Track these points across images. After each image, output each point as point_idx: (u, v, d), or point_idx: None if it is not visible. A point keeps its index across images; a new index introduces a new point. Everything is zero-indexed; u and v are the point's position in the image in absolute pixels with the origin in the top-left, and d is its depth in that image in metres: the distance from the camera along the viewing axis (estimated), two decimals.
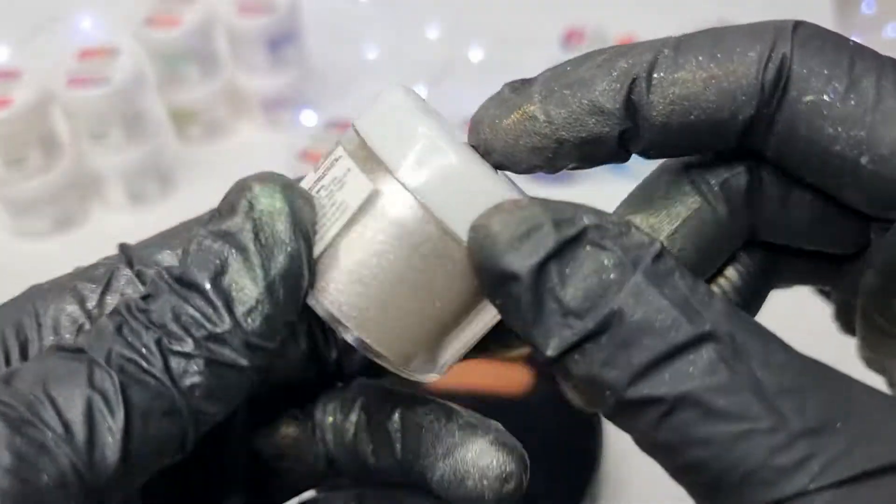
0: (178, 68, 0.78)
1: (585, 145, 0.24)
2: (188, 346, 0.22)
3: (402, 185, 0.24)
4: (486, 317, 0.25)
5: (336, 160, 0.25)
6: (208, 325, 0.22)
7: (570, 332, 0.21)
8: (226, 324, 0.22)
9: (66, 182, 0.74)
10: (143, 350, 0.22)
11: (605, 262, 0.21)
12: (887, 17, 0.81)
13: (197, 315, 0.22)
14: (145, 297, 0.23)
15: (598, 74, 0.24)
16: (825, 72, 0.23)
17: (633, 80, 0.24)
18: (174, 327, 0.22)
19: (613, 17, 0.81)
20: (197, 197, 0.80)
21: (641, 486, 0.58)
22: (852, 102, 0.23)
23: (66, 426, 0.21)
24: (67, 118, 0.73)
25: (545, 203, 0.22)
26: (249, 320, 0.22)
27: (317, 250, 0.24)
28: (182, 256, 0.24)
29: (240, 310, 0.22)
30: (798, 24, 0.24)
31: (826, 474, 0.19)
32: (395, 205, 0.24)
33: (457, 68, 0.87)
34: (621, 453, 0.60)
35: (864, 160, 0.23)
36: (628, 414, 0.21)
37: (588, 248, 0.21)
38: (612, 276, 0.21)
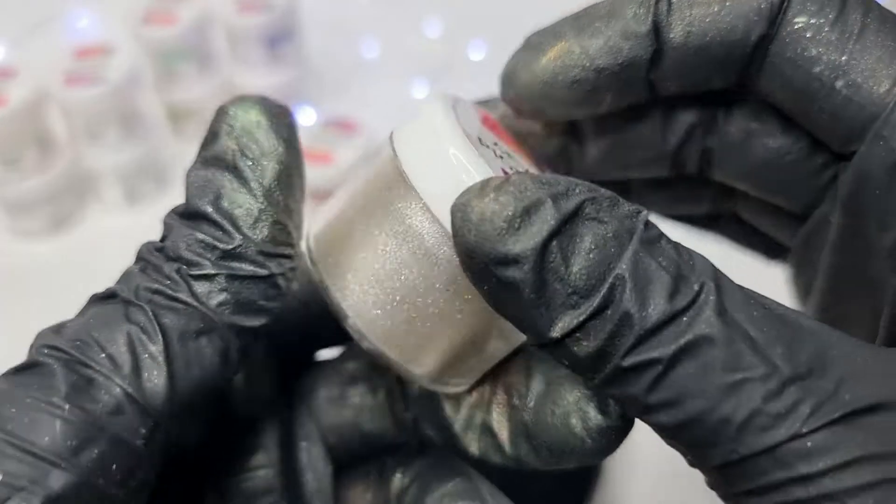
0: (176, 67, 0.78)
1: (623, 71, 0.26)
2: (207, 268, 0.23)
3: (428, 208, 0.24)
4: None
5: (376, 168, 0.26)
6: (221, 245, 0.23)
7: (577, 313, 0.21)
8: (236, 240, 0.23)
9: (62, 182, 0.73)
10: (168, 281, 0.23)
11: (605, 234, 0.21)
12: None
13: (208, 239, 0.23)
14: (161, 239, 0.24)
15: (624, 2, 0.26)
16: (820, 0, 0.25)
17: (657, 3, 0.25)
18: (189, 255, 0.23)
19: None
20: None
21: (642, 490, 0.58)
22: (838, 28, 0.24)
23: (112, 359, 0.22)
24: (64, 117, 0.73)
25: (537, 178, 0.21)
26: (257, 231, 0.23)
27: (344, 245, 0.25)
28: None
29: (245, 224, 0.23)
30: None
31: (816, 416, 0.19)
32: (420, 225, 0.24)
33: (457, 66, 0.86)
34: (622, 457, 0.59)
35: (839, 84, 0.24)
36: (623, 380, 0.21)
37: (587, 222, 0.21)
38: (612, 249, 0.21)
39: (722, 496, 0.22)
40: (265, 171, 0.24)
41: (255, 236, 0.23)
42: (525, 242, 0.20)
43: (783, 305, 0.22)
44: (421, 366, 0.25)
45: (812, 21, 0.24)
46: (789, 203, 0.28)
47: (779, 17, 0.25)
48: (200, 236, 0.23)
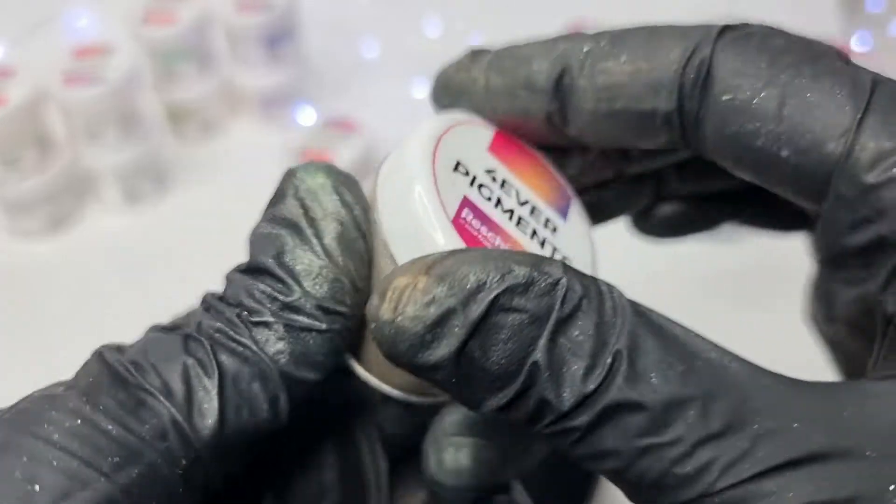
0: (175, 66, 0.78)
1: (516, 117, 0.27)
2: (267, 316, 0.24)
3: (387, 245, 0.25)
4: None
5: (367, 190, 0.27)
6: (281, 297, 0.24)
7: (501, 396, 0.21)
8: (296, 293, 0.24)
9: (61, 182, 0.73)
10: (229, 322, 0.24)
11: (519, 322, 0.21)
12: (893, 13, 0.81)
13: (268, 290, 0.24)
14: (224, 291, 0.25)
15: (538, 53, 0.26)
16: (744, 71, 0.24)
17: (567, 65, 0.26)
18: (251, 303, 0.24)
19: (614, 14, 0.81)
20: (194, 196, 0.81)
21: None
22: (768, 98, 0.24)
23: (166, 385, 0.22)
24: (63, 117, 0.73)
25: (445, 276, 0.21)
26: (316, 287, 0.24)
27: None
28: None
29: (306, 280, 0.24)
30: (725, 28, 0.26)
31: (727, 476, 0.20)
32: (385, 263, 0.25)
33: None
34: None
35: (784, 153, 0.24)
36: (551, 439, 0.22)
37: (500, 315, 0.21)
38: (530, 334, 0.21)
39: None
40: (326, 231, 0.25)
41: (315, 291, 0.24)
42: (439, 353, 0.21)
43: (714, 348, 0.22)
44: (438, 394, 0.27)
45: (740, 96, 0.24)
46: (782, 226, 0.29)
47: (697, 93, 0.25)
48: (262, 287, 0.24)
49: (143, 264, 0.70)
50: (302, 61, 0.83)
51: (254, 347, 0.23)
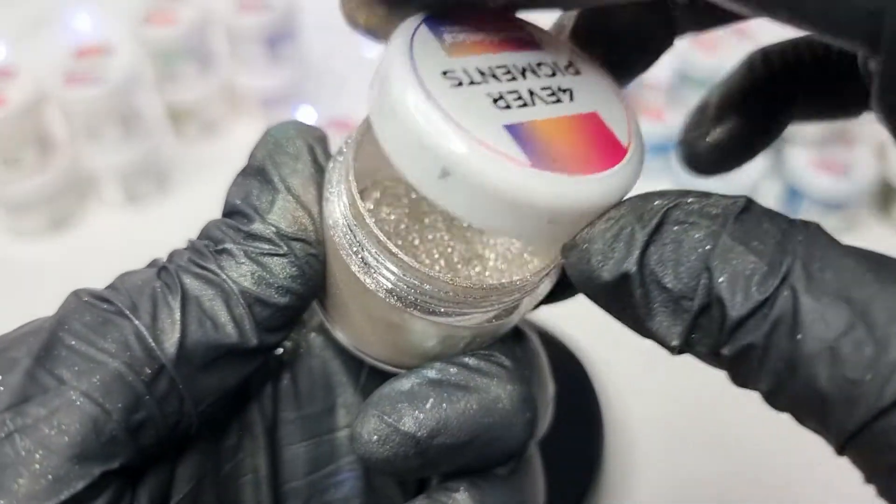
0: (176, 67, 0.78)
1: None
2: (229, 243, 0.26)
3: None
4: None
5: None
6: (243, 228, 0.26)
7: (686, 316, 0.22)
8: (255, 223, 0.26)
9: (62, 182, 0.73)
10: (196, 252, 0.26)
11: (696, 235, 0.21)
12: None
13: (232, 222, 0.26)
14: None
15: None
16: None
17: None
18: (217, 234, 0.26)
19: None
20: (194, 196, 0.81)
21: (643, 489, 0.58)
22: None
23: (133, 304, 0.24)
24: (64, 117, 0.73)
25: (622, 204, 0.23)
26: (274, 216, 0.26)
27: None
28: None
29: (265, 210, 0.26)
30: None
31: None
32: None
33: None
34: (623, 456, 0.59)
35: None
36: (737, 362, 0.21)
37: (676, 228, 0.22)
38: (707, 247, 0.21)
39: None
40: (289, 172, 0.27)
41: (274, 220, 0.26)
42: (620, 264, 0.22)
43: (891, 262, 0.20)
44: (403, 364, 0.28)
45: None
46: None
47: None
48: (228, 221, 0.26)
49: (143, 264, 0.69)
50: (302, 61, 0.83)
51: (217, 271, 0.25)
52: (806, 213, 0.72)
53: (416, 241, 0.28)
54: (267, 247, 0.26)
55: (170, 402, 0.24)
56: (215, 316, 0.25)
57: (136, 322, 0.24)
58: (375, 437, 0.25)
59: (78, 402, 0.22)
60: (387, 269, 0.24)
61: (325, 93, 0.83)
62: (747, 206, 0.22)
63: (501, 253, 0.29)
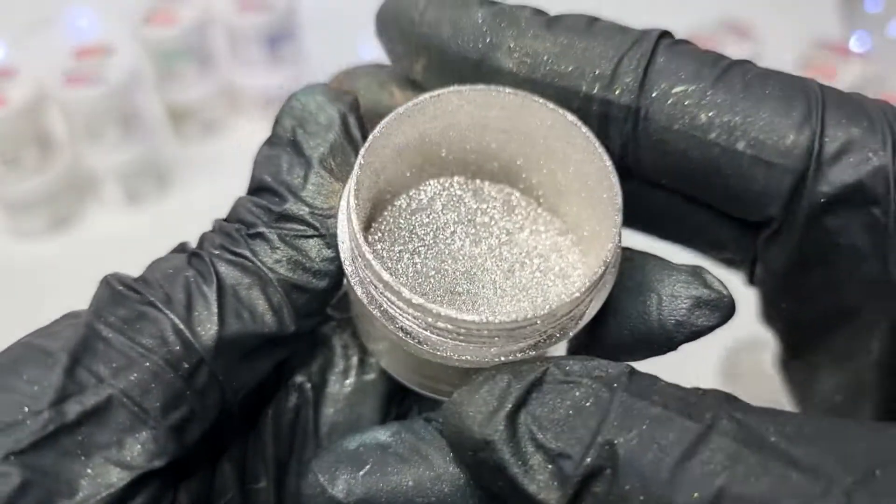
0: (176, 66, 0.78)
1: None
2: (261, 227, 0.25)
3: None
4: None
5: None
6: (274, 208, 0.25)
7: (570, 475, 0.20)
8: (288, 202, 0.25)
9: (62, 182, 0.73)
10: (228, 237, 0.25)
11: (577, 394, 0.21)
12: (892, 14, 0.81)
13: (264, 203, 0.25)
14: (229, 212, 0.26)
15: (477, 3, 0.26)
16: (692, 66, 0.24)
17: (499, 21, 0.25)
18: (248, 216, 0.25)
19: (614, 11, 0.81)
20: (194, 196, 0.81)
21: None
22: (722, 89, 0.23)
23: (167, 296, 0.24)
24: (64, 117, 0.73)
25: (502, 365, 0.22)
26: (307, 194, 0.25)
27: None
28: None
29: (298, 188, 0.25)
30: (665, 32, 0.25)
31: None
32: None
33: None
34: None
35: (740, 145, 0.23)
36: None
37: (555, 386, 0.21)
38: (589, 405, 0.20)
39: None
40: (320, 144, 0.25)
41: (308, 198, 0.25)
42: (491, 420, 0.21)
43: (809, 414, 0.20)
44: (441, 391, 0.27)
45: (692, 87, 0.23)
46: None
47: (633, 86, 0.24)
48: (259, 201, 0.25)
49: (144, 264, 0.69)
50: (302, 61, 0.83)
51: (251, 258, 0.24)
52: None
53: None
54: (301, 227, 0.25)
55: (210, 395, 0.24)
56: (253, 306, 0.24)
57: (172, 316, 0.23)
58: (308, 491, 0.24)
59: (116, 401, 0.22)
60: (386, 299, 0.23)
61: None
62: (633, 370, 0.21)
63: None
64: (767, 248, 0.24)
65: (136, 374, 0.22)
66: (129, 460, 0.22)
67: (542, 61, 0.25)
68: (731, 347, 0.65)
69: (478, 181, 0.28)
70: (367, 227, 0.26)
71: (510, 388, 0.21)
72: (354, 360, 0.28)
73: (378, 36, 0.29)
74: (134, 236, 0.73)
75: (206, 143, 0.82)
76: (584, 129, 0.24)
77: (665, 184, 0.25)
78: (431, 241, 0.27)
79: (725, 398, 0.20)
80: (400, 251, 0.26)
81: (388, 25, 0.27)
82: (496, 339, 0.23)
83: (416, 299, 0.22)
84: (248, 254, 0.24)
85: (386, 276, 0.22)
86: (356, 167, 0.24)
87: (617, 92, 0.24)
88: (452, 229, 0.27)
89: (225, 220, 0.26)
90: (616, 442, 0.19)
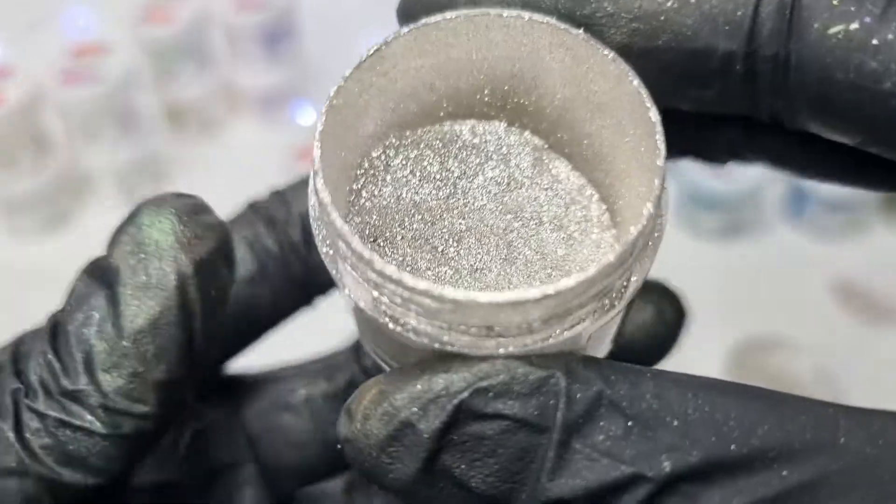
0: (174, 65, 0.78)
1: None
2: (40, 403, 0.19)
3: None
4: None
5: None
6: (64, 382, 0.19)
7: None
8: (80, 381, 0.19)
9: (58, 182, 0.73)
10: (0, 399, 0.20)
11: (494, 430, 0.17)
12: None
13: (56, 365, 0.19)
14: (24, 341, 0.21)
15: None
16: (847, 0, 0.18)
17: None
18: (33, 379, 0.19)
19: None
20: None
21: None
22: (891, 27, 0.17)
23: None
24: (60, 117, 0.73)
25: (404, 382, 0.18)
26: (108, 378, 0.19)
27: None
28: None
29: (100, 365, 0.19)
30: None
31: None
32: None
33: None
34: None
35: None
36: None
37: (474, 424, 0.17)
38: (520, 440, 0.17)
39: None
40: (143, 307, 0.19)
41: (105, 385, 0.19)
42: (403, 471, 0.17)
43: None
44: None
45: (853, 25, 0.18)
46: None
47: (780, 30, 0.18)
48: (51, 359, 0.19)
49: None
50: (301, 60, 0.82)
51: (13, 440, 0.19)
52: (811, 214, 0.71)
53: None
54: (87, 418, 0.19)
55: None
56: (5, 498, 0.19)
57: None
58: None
59: None
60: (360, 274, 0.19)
61: (324, 92, 0.83)
62: (570, 391, 0.17)
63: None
64: None
65: None
66: None
67: (658, 25, 0.19)
68: (733, 348, 0.65)
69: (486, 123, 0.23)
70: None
71: (420, 436, 0.17)
72: None
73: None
74: None
75: (204, 143, 0.81)
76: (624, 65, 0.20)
77: (829, 139, 0.20)
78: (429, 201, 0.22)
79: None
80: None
81: (419, 13, 0.21)
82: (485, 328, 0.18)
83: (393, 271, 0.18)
84: (10, 435, 0.19)
85: (355, 243, 0.18)
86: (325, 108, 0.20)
87: (760, 42, 0.19)
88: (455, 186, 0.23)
89: (14, 354, 0.20)
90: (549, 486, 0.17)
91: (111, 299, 0.20)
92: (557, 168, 0.23)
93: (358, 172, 0.22)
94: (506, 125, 0.23)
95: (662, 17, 0.19)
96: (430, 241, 0.22)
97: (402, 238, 0.22)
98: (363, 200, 0.22)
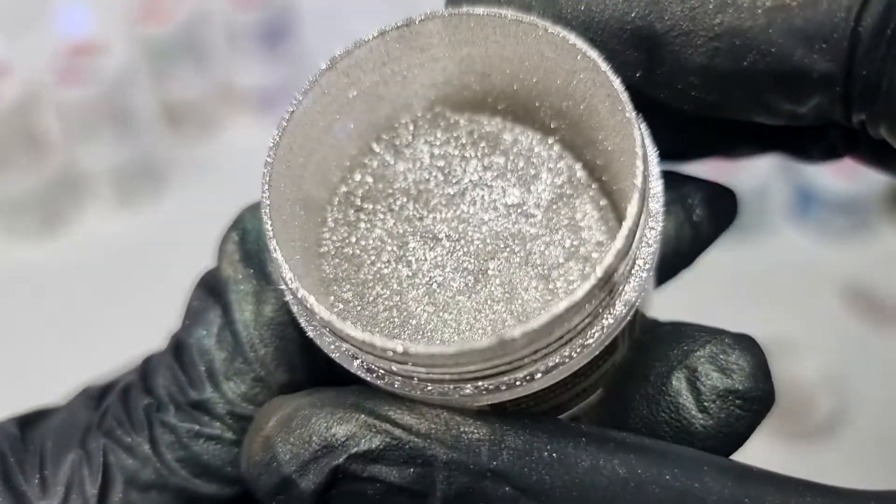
0: (171, 64, 0.77)
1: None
2: (171, 416, 0.20)
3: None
4: None
5: None
6: (190, 393, 0.20)
7: None
8: (207, 391, 0.20)
9: (54, 182, 0.72)
10: (131, 417, 0.20)
11: (374, 491, 0.17)
12: None
13: (182, 379, 0.20)
14: (151, 363, 0.21)
15: None
16: None
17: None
18: (162, 393, 0.20)
19: None
20: (190, 196, 0.79)
21: None
22: None
23: (44, 482, 0.20)
24: (56, 116, 0.72)
25: (290, 428, 0.17)
26: (231, 385, 0.20)
27: None
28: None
29: (222, 373, 0.20)
30: None
31: None
32: None
33: None
34: None
35: None
36: None
37: (354, 484, 0.17)
38: (403, 502, 0.17)
39: None
40: (255, 314, 0.20)
41: (230, 392, 0.20)
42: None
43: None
44: None
45: None
46: None
47: (880, 45, 0.16)
48: (178, 374, 0.20)
49: (138, 265, 0.69)
50: (300, 59, 0.82)
51: (149, 453, 0.20)
52: (816, 215, 0.71)
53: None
54: (217, 426, 0.20)
55: None
56: None
57: None
58: None
59: None
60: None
61: None
62: (450, 455, 0.16)
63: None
64: None
65: None
66: None
67: (743, 44, 0.17)
68: None
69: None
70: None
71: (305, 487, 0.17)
72: None
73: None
74: (128, 237, 0.72)
75: (201, 143, 0.81)
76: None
77: None
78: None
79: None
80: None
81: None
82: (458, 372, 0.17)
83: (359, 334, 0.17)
84: (146, 449, 0.20)
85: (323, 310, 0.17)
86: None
87: (857, 61, 0.17)
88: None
89: (143, 375, 0.21)
90: None
91: (225, 308, 0.20)
92: (582, 211, 0.20)
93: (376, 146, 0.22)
94: (540, 136, 0.21)
95: (748, 36, 0.17)
96: (411, 231, 0.20)
97: (391, 212, 0.21)
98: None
